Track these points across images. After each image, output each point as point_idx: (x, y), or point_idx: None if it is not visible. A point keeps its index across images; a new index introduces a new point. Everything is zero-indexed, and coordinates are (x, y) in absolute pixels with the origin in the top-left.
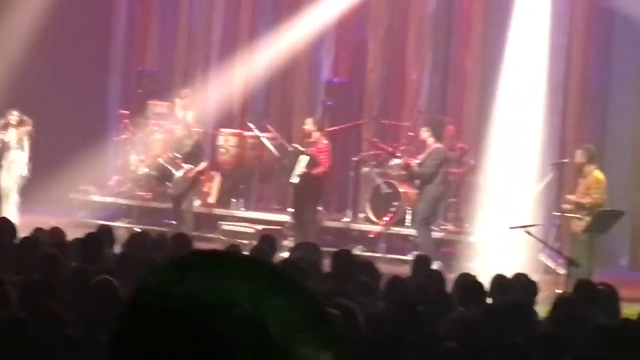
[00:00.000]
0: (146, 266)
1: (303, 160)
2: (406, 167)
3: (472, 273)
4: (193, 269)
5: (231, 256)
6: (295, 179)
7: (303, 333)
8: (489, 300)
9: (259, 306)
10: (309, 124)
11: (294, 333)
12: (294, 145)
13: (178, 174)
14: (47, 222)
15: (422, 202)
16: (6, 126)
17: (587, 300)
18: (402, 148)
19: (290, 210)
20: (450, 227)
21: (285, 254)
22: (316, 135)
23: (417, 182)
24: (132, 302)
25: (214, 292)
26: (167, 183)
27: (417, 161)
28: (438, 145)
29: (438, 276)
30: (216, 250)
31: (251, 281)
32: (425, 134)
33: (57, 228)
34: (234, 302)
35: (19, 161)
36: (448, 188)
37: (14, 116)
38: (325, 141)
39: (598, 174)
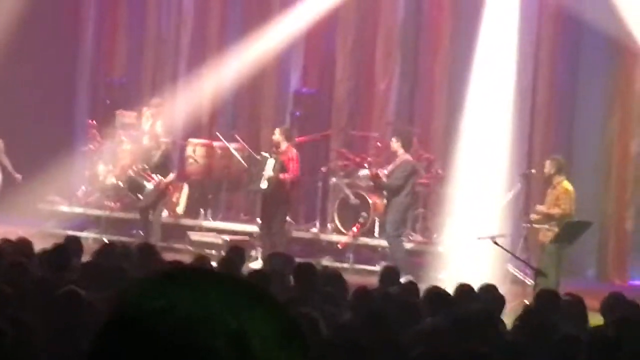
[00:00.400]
0: (114, 277)
1: (270, 164)
2: (374, 177)
3: (440, 284)
4: (175, 283)
5: (210, 272)
6: (264, 184)
7: (283, 349)
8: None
9: (241, 321)
10: (277, 134)
11: (274, 348)
12: (262, 153)
13: (148, 186)
14: (14, 232)
15: (391, 213)
16: None
17: (551, 310)
18: (370, 159)
19: (258, 220)
20: (418, 237)
21: (255, 265)
22: (284, 145)
23: (385, 193)
24: (113, 315)
25: (196, 306)
26: (137, 195)
27: (385, 172)
28: (407, 156)
29: (411, 287)
30: (196, 266)
31: (232, 296)
32: (395, 144)
33: (24, 238)
34: (217, 317)
35: None
36: (416, 199)
37: None
38: (294, 151)
39: (567, 185)
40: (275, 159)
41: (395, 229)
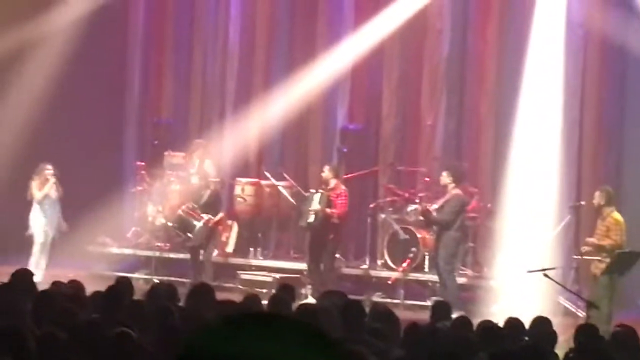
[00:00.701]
0: (165, 317)
1: (316, 198)
2: (425, 213)
3: (493, 318)
4: (243, 329)
5: (279, 318)
6: (310, 218)
7: None
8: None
9: None
10: (326, 171)
11: None
12: (311, 191)
13: (198, 224)
14: (64, 275)
15: (442, 248)
16: (45, 181)
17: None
18: (421, 194)
19: (307, 257)
20: (469, 271)
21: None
22: (333, 182)
23: (435, 228)
24: (184, 356)
25: (264, 353)
26: (188, 234)
27: (435, 206)
28: (457, 191)
29: (464, 322)
30: (266, 312)
31: (299, 344)
32: (446, 178)
33: (75, 281)
34: None
35: (57, 213)
36: (466, 233)
37: (50, 170)
38: (343, 187)
39: (617, 216)
40: (321, 193)
41: (447, 263)
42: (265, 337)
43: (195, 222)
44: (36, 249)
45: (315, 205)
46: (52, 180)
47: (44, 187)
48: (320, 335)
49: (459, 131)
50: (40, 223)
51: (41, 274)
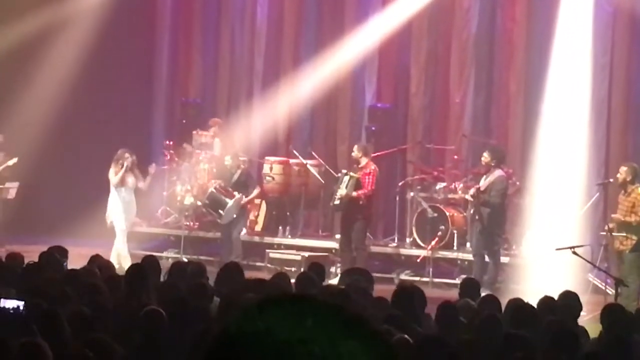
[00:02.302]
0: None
1: (345, 181)
2: (478, 193)
3: (522, 296)
4: (274, 308)
5: (312, 300)
6: (336, 201)
7: None
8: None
9: (334, 347)
10: (355, 151)
11: None
12: (343, 170)
13: (230, 202)
14: (94, 253)
15: (488, 229)
16: (127, 168)
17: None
18: (471, 176)
19: (337, 236)
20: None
21: (334, 281)
22: (364, 160)
23: (485, 209)
24: (217, 336)
25: (294, 331)
26: (218, 211)
27: (471, 193)
28: (500, 172)
29: (492, 301)
30: (300, 294)
31: (329, 323)
32: (488, 158)
33: (102, 259)
34: (312, 341)
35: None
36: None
37: (127, 157)
38: (374, 166)
39: None
40: (351, 176)
41: (495, 243)
42: (295, 316)
43: (227, 200)
44: (118, 238)
45: (342, 189)
46: (126, 165)
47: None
48: (351, 316)
49: (487, 109)
50: (117, 210)
51: (127, 261)
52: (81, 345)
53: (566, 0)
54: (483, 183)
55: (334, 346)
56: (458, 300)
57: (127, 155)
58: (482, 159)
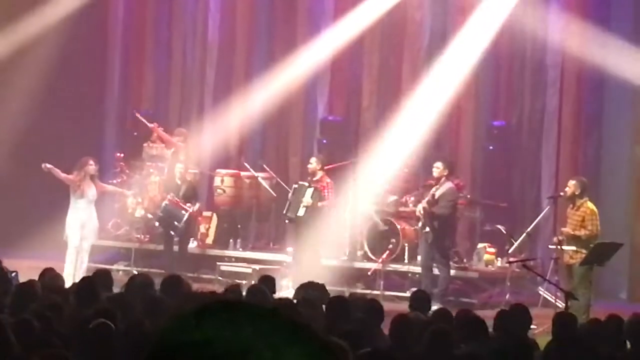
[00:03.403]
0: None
1: (308, 192)
2: (430, 206)
3: (473, 309)
4: (212, 317)
5: (251, 305)
6: (301, 211)
7: None
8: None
9: (277, 356)
10: (313, 163)
11: None
12: (301, 182)
13: (185, 215)
14: (45, 266)
15: (438, 241)
16: (84, 178)
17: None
18: (421, 190)
19: (289, 248)
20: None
21: (285, 294)
22: (320, 174)
23: (434, 222)
24: (151, 347)
25: (232, 340)
26: (175, 223)
27: (426, 200)
28: (450, 184)
29: (444, 314)
30: (237, 299)
31: (271, 331)
32: (442, 170)
33: (53, 271)
34: (252, 351)
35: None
36: (455, 225)
37: (92, 165)
38: (329, 180)
39: (591, 206)
40: (314, 188)
41: (444, 256)
42: (234, 325)
43: (182, 212)
44: (68, 252)
45: (308, 199)
46: (88, 174)
47: (82, 184)
48: (293, 321)
49: (438, 122)
50: (73, 224)
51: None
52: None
53: (514, 12)
54: (429, 196)
55: (276, 355)
56: (409, 313)
57: (91, 162)
58: (435, 169)
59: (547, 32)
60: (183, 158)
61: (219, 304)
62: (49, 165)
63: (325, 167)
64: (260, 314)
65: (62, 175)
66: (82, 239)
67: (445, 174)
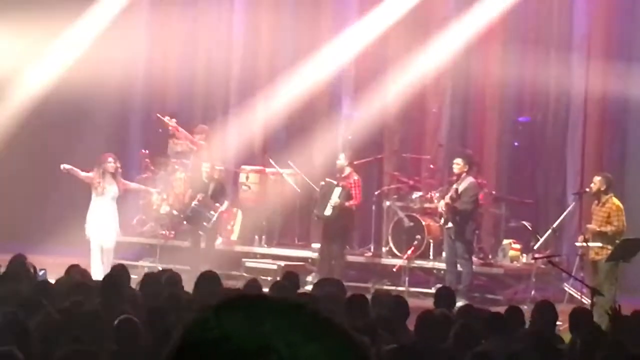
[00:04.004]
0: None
1: (336, 191)
2: (454, 202)
3: (497, 305)
4: (230, 313)
5: (272, 300)
6: (328, 211)
7: None
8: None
9: (295, 353)
10: (341, 159)
11: None
12: (329, 180)
13: (214, 215)
14: (70, 263)
15: (461, 236)
16: (103, 174)
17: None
18: (447, 185)
19: (317, 245)
20: (474, 259)
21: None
22: (348, 170)
23: (457, 217)
24: (172, 344)
25: (251, 336)
26: (204, 223)
27: (450, 195)
28: (471, 178)
29: (469, 310)
30: (257, 294)
31: (290, 327)
32: (463, 166)
33: (79, 268)
34: (270, 348)
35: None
36: (479, 220)
37: (111, 162)
38: (356, 176)
39: (617, 201)
40: (342, 187)
41: (466, 251)
42: (251, 321)
43: (212, 212)
44: (92, 252)
45: (335, 199)
46: (105, 172)
47: (102, 182)
48: (314, 316)
49: (464, 118)
50: (92, 223)
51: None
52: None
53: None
54: (453, 191)
55: (294, 352)
56: (434, 310)
57: (110, 159)
58: (455, 166)
59: (572, 25)
60: (206, 155)
61: (238, 300)
62: (67, 166)
63: (355, 163)
64: (280, 309)
65: (82, 174)
66: (104, 237)
67: (466, 169)
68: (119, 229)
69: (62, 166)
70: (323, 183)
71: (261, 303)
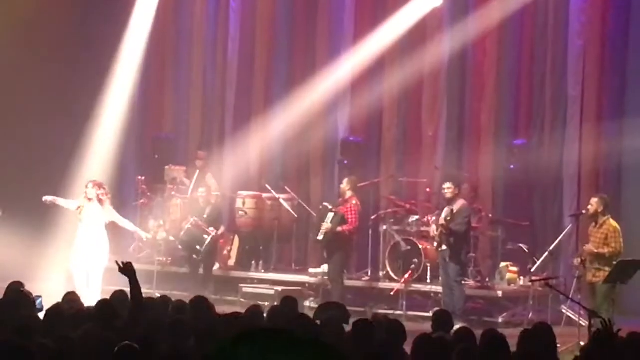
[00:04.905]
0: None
1: (329, 216)
2: (447, 226)
3: (496, 328)
4: (249, 344)
5: (286, 334)
6: (320, 236)
7: None
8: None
9: None
10: (344, 183)
11: None
12: (326, 204)
13: (208, 238)
14: (65, 290)
15: (454, 259)
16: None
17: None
18: (437, 212)
19: (314, 270)
20: (471, 282)
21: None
22: (349, 194)
23: (451, 239)
24: None
25: None
26: (197, 247)
27: (445, 217)
28: (463, 201)
29: (467, 333)
30: (274, 329)
31: (308, 357)
32: (454, 190)
33: (74, 295)
34: None
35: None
36: (470, 243)
37: (88, 188)
38: (355, 201)
39: (614, 223)
40: (335, 213)
41: (459, 274)
42: (270, 353)
43: (205, 236)
44: (75, 278)
45: (327, 224)
46: (82, 198)
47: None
48: (330, 353)
49: (459, 141)
50: (77, 249)
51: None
52: None
53: (534, 34)
54: (448, 212)
55: None
56: (432, 333)
57: (89, 185)
58: (447, 191)
59: (566, 51)
60: (211, 180)
61: (256, 332)
62: (50, 198)
63: (359, 185)
64: (296, 345)
65: (63, 203)
66: (86, 263)
67: (457, 192)
68: (107, 255)
69: (44, 199)
70: (321, 207)
71: (276, 336)
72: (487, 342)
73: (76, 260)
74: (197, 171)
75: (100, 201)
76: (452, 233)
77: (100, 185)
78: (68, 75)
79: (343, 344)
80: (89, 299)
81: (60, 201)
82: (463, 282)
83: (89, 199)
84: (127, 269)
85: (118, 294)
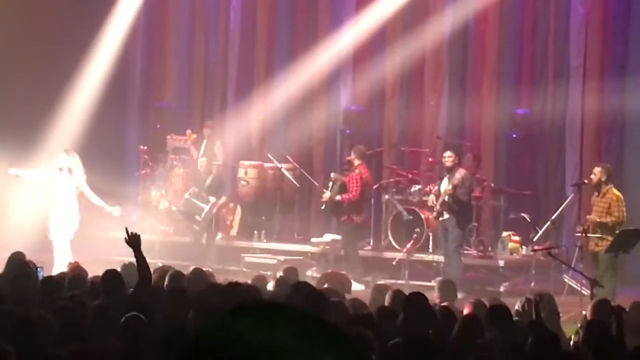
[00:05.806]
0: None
1: (330, 186)
2: (454, 192)
3: (498, 297)
4: (246, 316)
5: (288, 308)
6: (322, 206)
7: None
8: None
9: (307, 357)
10: (351, 154)
11: None
12: (334, 173)
13: (206, 208)
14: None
15: (455, 228)
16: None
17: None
18: (438, 182)
19: (316, 239)
20: (473, 251)
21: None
22: (356, 162)
23: (455, 208)
24: (192, 344)
25: (266, 338)
26: (196, 217)
27: (455, 184)
28: (463, 170)
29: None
30: (275, 302)
31: (302, 334)
32: (455, 159)
33: (78, 266)
34: (285, 351)
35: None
36: (471, 212)
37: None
38: (359, 170)
39: (617, 192)
40: (334, 181)
41: (458, 245)
42: (265, 324)
43: (202, 205)
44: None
45: (327, 193)
46: (53, 168)
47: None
48: (333, 330)
49: (461, 111)
50: (51, 218)
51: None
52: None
53: (536, 2)
54: (451, 181)
55: (304, 358)
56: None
57: (61, 154)
58: (448, 159)
59: (569, 20)
60: (219, 150)
61: (257, 304)
62: (15, 171)
63: (348, 158)
64: (295, 317)
65: (30, 172)
66: (57, 231)
67: (457, 161)
68: (76, 225)
69: (9, 171)
70: (332, 175)
71: (277, 309)
72: (490, 310)
73: (51, 227)
74: (205, 140)
75: (69, 170)
76: (457, 201)
77: (70, 153)
78: (65, 46)
79: (344, 312)
80: (58, 267)
81: (26, 172)
82: (463, 252)
83: (60, 169)
84: (133, 241)
85: (129, 267)
